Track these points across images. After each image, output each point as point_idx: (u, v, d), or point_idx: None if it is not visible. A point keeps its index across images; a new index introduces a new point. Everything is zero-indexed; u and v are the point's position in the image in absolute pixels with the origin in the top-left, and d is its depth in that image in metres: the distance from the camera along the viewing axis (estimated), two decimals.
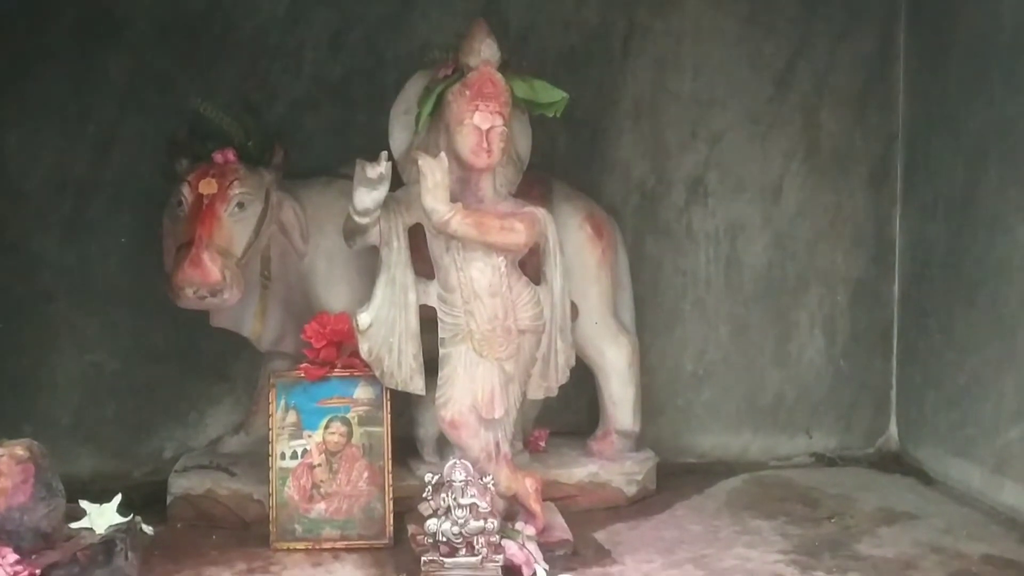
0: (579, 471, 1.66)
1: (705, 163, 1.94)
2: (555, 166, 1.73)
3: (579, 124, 1.82)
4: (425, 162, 1.34)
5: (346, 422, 1.47)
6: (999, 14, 1.63)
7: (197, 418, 1.79)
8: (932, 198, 1.88)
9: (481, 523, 1.28)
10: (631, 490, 1.68)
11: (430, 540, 1.29)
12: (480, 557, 1.28)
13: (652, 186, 1.93)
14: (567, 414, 1.78)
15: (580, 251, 1.64)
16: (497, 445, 1.43)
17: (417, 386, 1.46)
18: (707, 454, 1.94)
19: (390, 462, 1.46)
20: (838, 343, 2.01)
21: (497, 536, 1.32)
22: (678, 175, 1.94)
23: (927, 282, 1.90)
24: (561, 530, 1.45)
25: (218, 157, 1.50)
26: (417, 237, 1.46)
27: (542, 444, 1.71)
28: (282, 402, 1.47)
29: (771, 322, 1.99)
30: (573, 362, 1.57)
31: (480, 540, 1.29)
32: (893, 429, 2.02)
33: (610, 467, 1.69)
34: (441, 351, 1.43)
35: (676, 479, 1.79)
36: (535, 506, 1.41)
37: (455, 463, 1.29)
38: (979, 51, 1.73)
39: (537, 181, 1.60)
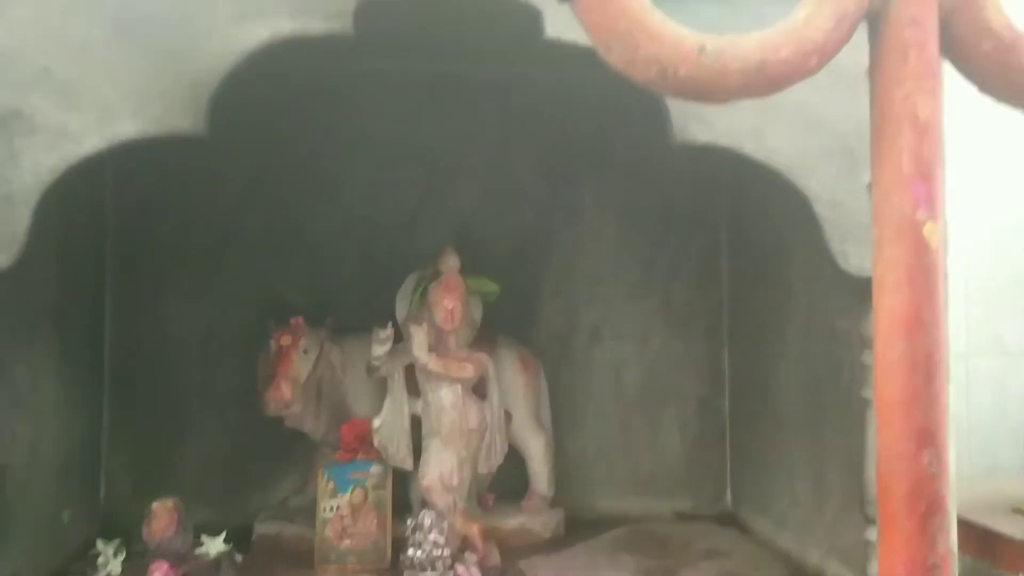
0: (512, 521, 1.82)
1: (600, 319, 2.17)
2: (501, 324, 1.93)
3: (518, 297, 2.03)
4: (414, 329, 1.64)
5: (364, 487, 1.66)
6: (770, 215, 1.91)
7: (272, 485, 1.91)
8: (743, 346, 2.13)
9: (440, 552, 1.47)
10: (547, 535, 1.84)
11: (409, 563, 1.49)
12: (438, 574, 1.48)
13: (565, 335, 2.16)
14: (508, 483, 1.91)
15: (513, 378, 1.87)
16: (455, 503, 1.64)
17: (408, 465, 1.68)
18: (603, 512, 2.06)
19: (391, 513, 1.64)
20: (690, 438, 2.18)
21: (450, 560, 1.50)
22: (582, 327, 2.16)
23: (743, 402, 2.12)
24: (494, 559, 1.62)
25: (292, 321, 1.75)
26: (412, 371, 1.71)
27: (490, 503, 1.87)
28: (326, 475, 1.67)
29: (645, 424, 2.17)
30: (507, 449, 1.79)
31: (438, 563, 1.47)
32: (728, 496, 2.17)
33: (533, 519, 1.85)
34: (423, 443, 1.68)
35: (580, 528, 1.92)
36: (478, 543, 1.60)
37: (424, 513, 1.51)
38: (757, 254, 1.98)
39: (487, 336, 1.84)
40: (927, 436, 0.90)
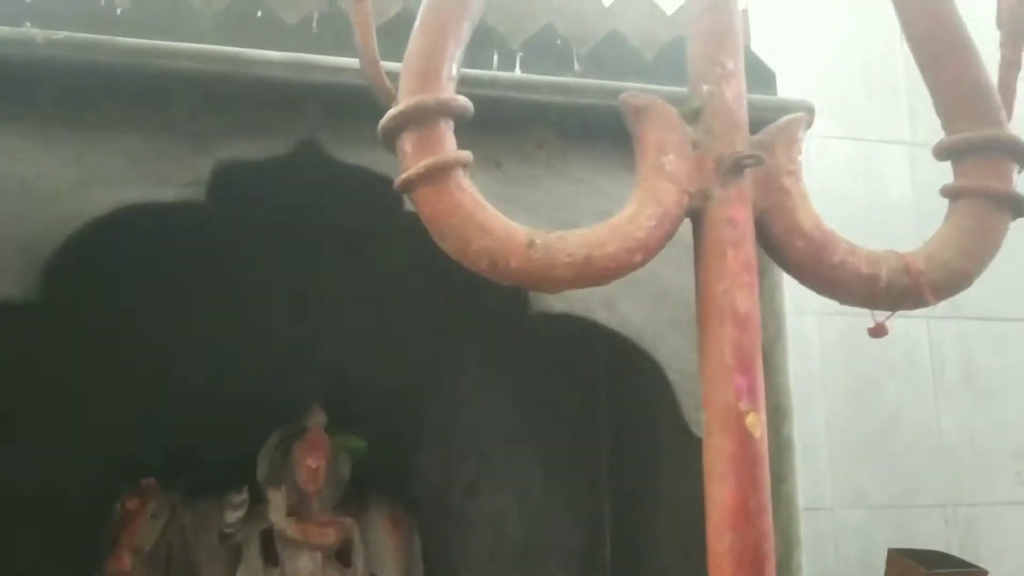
0: None
1: (478, 472, 2.14)
2: (376, 478, 1.85)
3: (392, 451, 1.98)
4: (272, 492, 1.58)
5: None
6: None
7: None
8: (622, 498, 2.13)
9: None
10: None
11: None
12: None
13: (441, 488, 2.11)
14: None
15: (383, 539, 1.78)
16: None
17: None
18: None
19: None
20: None
21: None
22: (458, 481, 2.12)
23: (624, 553, 2.10)
24: None
25: (142, 482, 1.63)
26: (270, 536, 1.61)
27: None
28: None
29: None
30: None
31: None
32: None
33: None
34: None
35: None
36: None
37: None
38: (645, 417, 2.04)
39: (357, 493, 1.77)
40: None
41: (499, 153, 1.24)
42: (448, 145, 0.84)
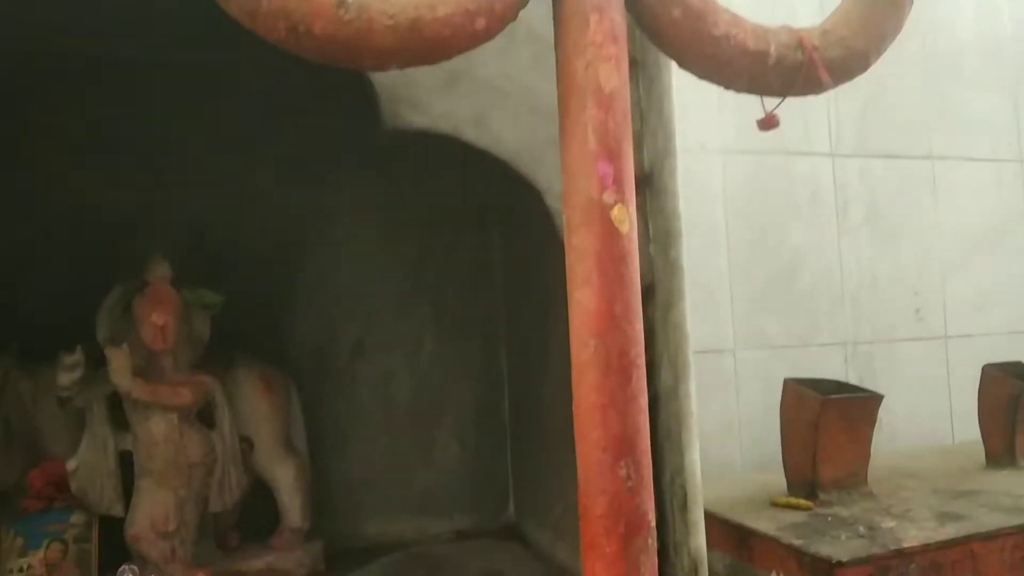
0: (256, 562, 1.66)
1: (364, 330, 2.04)
2: (243, 343, 1.74)
3: (264, 313, 1.88)
4: (110, 351, 1.43)
5: (62, 541, 1.46)
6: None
7: None
8: (519, 348, 2.08)
9: None
10: (301, 572, 1.69)
11: None
12: None
13: (324, 349, 2.00)
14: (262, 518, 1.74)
15: (254, 400, 1.69)
16: (173, 551, 1.46)
17: (117, 511, 1.48)
18: (373, 539, 1.95)
19: (97, 569, 1.44)
20: (469, 450, 2.10)
21: None
22: (343, 342, 2.03)
23: (522, 405, 2.06)
24: None
25: None
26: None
27: (233, 543, 1.69)
28: (11, 531, 1.45)
29: (419, 439, 2.07)
30: (245, 482, 1.61)
31: None
32: (511, 509, 2.11)
33: (284, 556, 1.69)
34: (135, 484, 1.48)
35: (345, 560, 1.79)
36: None
37: (125, 569, 1.32)
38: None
39: (221, 354, 1.66)
40: (624, 445, 0.82)
41: None
42: None
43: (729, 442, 2.11)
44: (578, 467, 0.80)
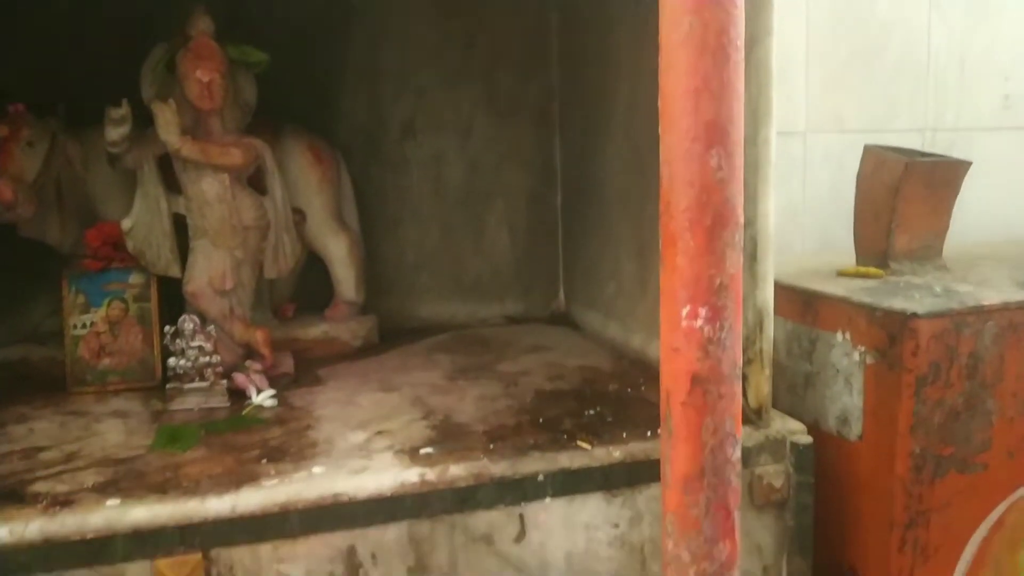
0: (313, 330, 1.70)
1: (413, 110, 1.96)
2: (292, 117, 1.71)
3: (311, 85, 1.82)
4: (156, 107, 1.38)
5: (123, 300, 1.48)
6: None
7: (19, 309, 1.67)
8: (574, 132, 1.99)
9: (208, 359, 1.32)
10: (356, 343, 1.73)
11: (172, 373, 1.34)
12: (209, 383, 1.34)
13: (373, 129, 1.94)
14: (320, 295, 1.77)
15: (304, 171, 1.67)
16: (232, 309, 1.47)
17: (174, 272, 1.48)
18: (425, 320, 1.98)
19: (160, 327, 1.45)
20: (519, 237, 2.07)
21: (222, 369, 1.35)
22: (393, 120, 1.96)
23: (575, 192, 2.00)
24: (286, 367, 1.51)
25: (10, 108, 1.46)
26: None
27: (289, 313, 1.73)
28: (72, 288, 1.47)
29: (469, 224, 2.04)
30: (299, 252, 1.60)
31: (208, 371, 1.33)
32: (561, 296, 2.10)
33: (338, 327, 1.73)
34: (191, 245, 1.47)
35: (398, 337, 1.83)
36: (264, 350, 1.47)
37: (185, 317, 1.33)
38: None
39: (267, 123, 1.60)
40: (717, 133, 0.75)
41: None
42: None
43: (791, 229, 2.04)
44: (661, 164, 0.74)
